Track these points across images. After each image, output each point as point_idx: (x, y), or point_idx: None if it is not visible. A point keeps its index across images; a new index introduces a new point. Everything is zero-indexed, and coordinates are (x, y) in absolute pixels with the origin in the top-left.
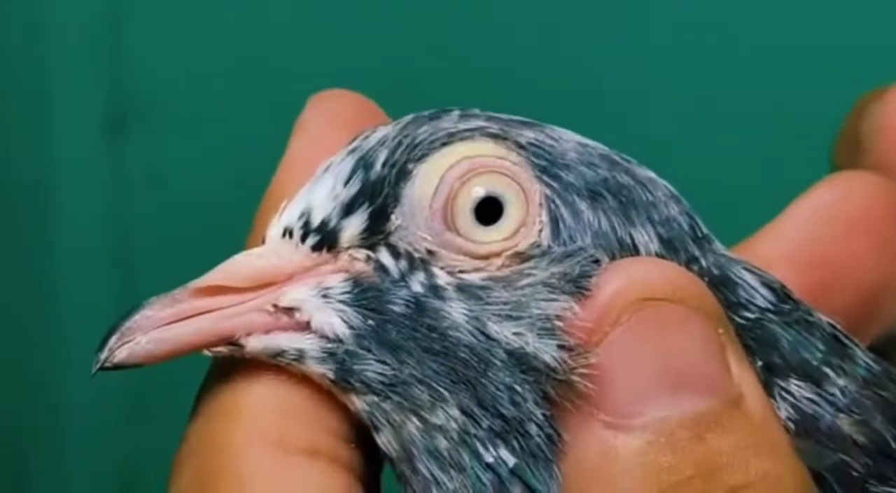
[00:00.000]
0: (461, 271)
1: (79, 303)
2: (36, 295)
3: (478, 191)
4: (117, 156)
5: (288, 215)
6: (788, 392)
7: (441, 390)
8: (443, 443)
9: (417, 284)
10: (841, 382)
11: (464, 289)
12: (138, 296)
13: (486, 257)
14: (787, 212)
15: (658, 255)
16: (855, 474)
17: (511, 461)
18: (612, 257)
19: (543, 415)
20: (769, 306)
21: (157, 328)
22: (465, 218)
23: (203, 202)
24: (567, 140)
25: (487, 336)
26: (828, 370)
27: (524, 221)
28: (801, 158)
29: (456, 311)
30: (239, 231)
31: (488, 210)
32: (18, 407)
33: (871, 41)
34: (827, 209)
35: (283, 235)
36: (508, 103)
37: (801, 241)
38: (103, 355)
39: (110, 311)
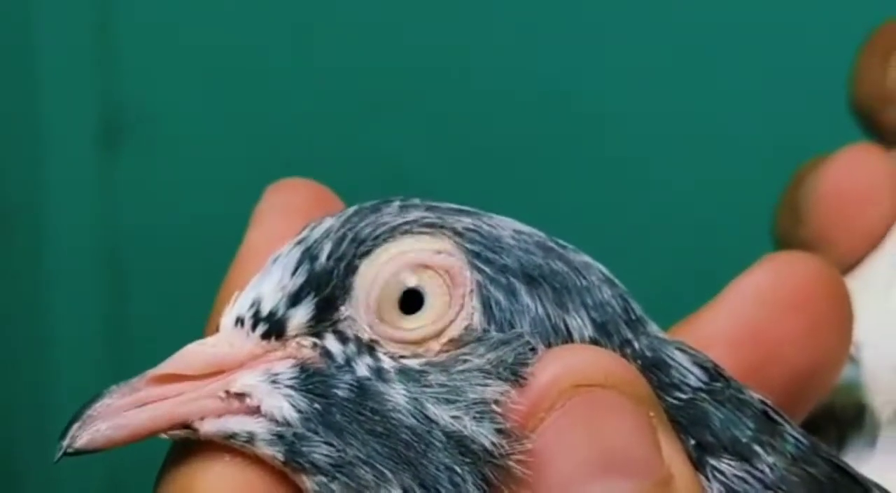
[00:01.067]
0: (402, 357)
1: (68, 314)
2: (26, 306)
3: (405, 284)
4: (109, 169)
5: (239, 305)
6: (719, 470)
7: (385, 470)
8: None
9: (364, 367)
10: (770, 459)
11: (405, 372)
12: (128, 309)
13: (420, 343)
14: (726, 292)
15: (592, 339)
16: None
17: None
18: (547, 343)
19: None
20: (701, 386)
21: (115, 415)
22: (393, 309)
23: (195, 216)
24: (504, 227)
25: (427, 418)
26: (757, 448)
27: (450, 307)
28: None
29: (398, 394)
30: (230, 245)
31: (413, 300)
32: (6, 419)
33: None
34: (762, 290)
35: (235, 324)
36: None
37: (737, 321)
38: (66, 442)
39: (100, 323)
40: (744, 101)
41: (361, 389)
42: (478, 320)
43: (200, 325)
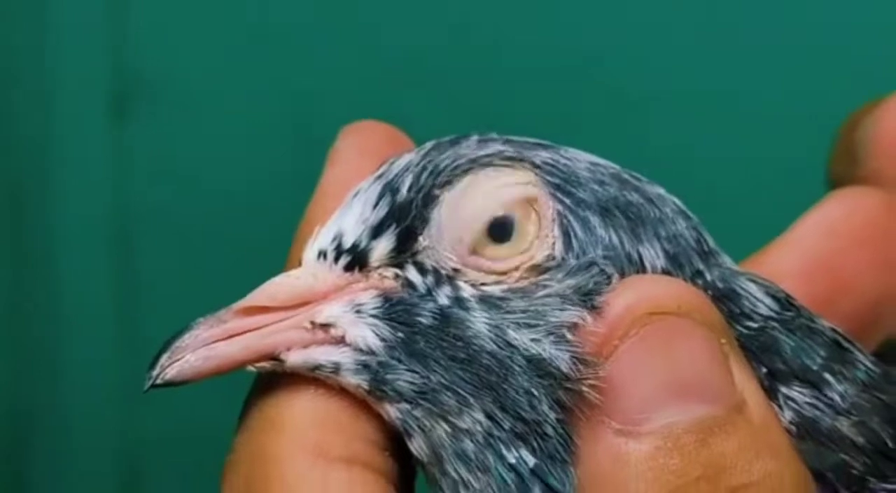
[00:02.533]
0: (483, 284)
1: (79, 283)
2: (37, 276)
3: (494, 213)
4: (120, 137)
5: (321, 239)
6: (790, 398)
7: (467, 395)
8: (469, 446)
9: (444, 297)
10: (840, 386)
11: (485, 300)
12: (138, 278)
13: (504, 272)
14: (795, 227)
15: (664, 270)
16: (855, 472)
17: (531, 461)
18: (621, 272)
19: (558, 420)
20: (772, 315)
21: (204, 346)
22: (482, 237)
23: (205, 184)
24: (580, 160)
25: (508, 343)
26: (828, 376)
27: (536, 236)
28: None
29: (479, 320)
30: (240, 213)
31: (504, 228)
32: (19, 389)
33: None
34: (832, 224)
35: (318, 257)
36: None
37: (808, 254)
38: (155, 372)
39: (110, 293)
40: (771, 78)
41: (444, 316)
42: (559, 248)
43: (210, 293)
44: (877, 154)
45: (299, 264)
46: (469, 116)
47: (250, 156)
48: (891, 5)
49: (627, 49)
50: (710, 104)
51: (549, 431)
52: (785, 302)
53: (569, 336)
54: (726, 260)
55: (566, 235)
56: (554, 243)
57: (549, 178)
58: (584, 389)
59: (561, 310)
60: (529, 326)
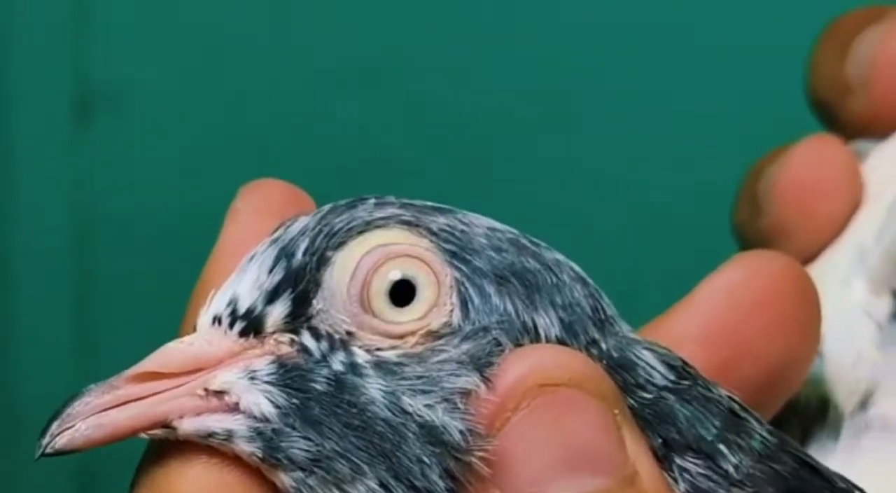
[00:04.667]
0: (378, 349)
1: (37, 289)
2: None
3: (393, 274)
4: (81, 144)
5: (216, 304)
6: (685, 469)
7: (361, 463)
8: None
9: (338, 362)
10: (735, 457)
11: (380, 366)
12: (97, 285)
13: (401, 337)
14: (697, 290)
15: (559, 339)
16: None
17: None
18: (515, 340)
19: (448, 489)
20: (668, 384)
21: (94, 415)
22: (381, 301)
23: (166, 191)
24: (477, 225)
25: (402, 410)
26: (722, 447)
27: (436, 302)
28: None
29: (373, 387)
30: (201, 220)
31: (402, 293)
32: None
33: None
34: (733, 289)
35: (213, 322)
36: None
37: (708, 319)
38: (45, 441)
39: (67, 299)
40: (710, 96)
41: (338, 383)
42: (456, 315)
43: (169, 304)
44: (779, 205)
45: (194, 329)
46: (430, 125)
47: (208, 162)
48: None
49: (580, 59)
50: (658, 124)
51: None
52: (681, 371)
53: (462, 405)
54: (623, 328)
55: (463, 302)
56: (452, 311)
57: (445, 245)
58: (475, 461)
59: (456, 376)
60: (424, 392)
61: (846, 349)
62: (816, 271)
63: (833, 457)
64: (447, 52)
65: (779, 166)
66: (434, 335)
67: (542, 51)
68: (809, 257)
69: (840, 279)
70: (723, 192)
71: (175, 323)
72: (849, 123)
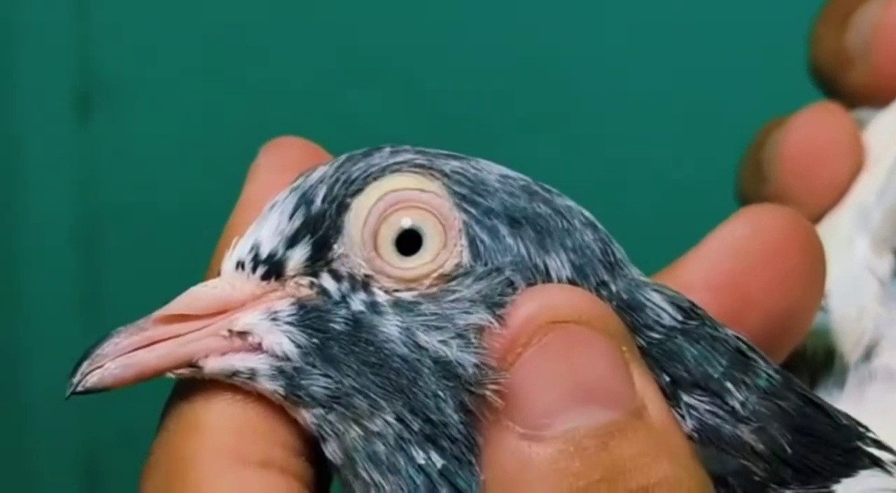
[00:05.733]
0: (395, 290)
1: (42, 282)
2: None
3: (400, 224)
4: (84, 137)
5: (239, 250)
6: (692, 406)
7: (378, 399)
8: (381, 448)
9: (358, 302)
10: (741, 394)
11: (398, 304)
12: (102, 277)
13: (415, 280)
14: (704, 242)
15: (569, 280)
16: (756, 478)
17: (440, 462)
18: (528, 281)
19: (462, 422)
20: (675, 324)
21: (124, 354)
22: (389, 249)
23: (170, 182)
24: (490, 171)
25: (418, 345)
26: (729, 384)
27: (444, 246)
28: None
29: (390, 324)
30: (205, 211)
31: (411, 240)
32: None
33: None
34: (739, 242)
35: (236, 267)
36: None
37: (715, 269)
38: (76, 380)
39: (73, 292)
40: (710, 67)
41: (356, 322)
42: (466, 257)
43: (174, 291)
44: (782, 172)
45: (219, 275)
46: (425, 115)
47: (210, 152)
48: None
49: (590, 50)
50: (659, 102)
51: (455, 433)
52: (689, 311)
53: (475, 340)
54: (633, 271)
55: (472, 244)
56: (461, 253)
57: (456, 188)
58: (488, 393)
59: (468, 313)
60: (438, 328)
61: (850, 305)
62: (820, 232)
63: (839, 403)
64: (450, 43)
65: (782, 133)
66: (447, 277)
67: (546, 40)
68: (813, 221)
69: (843, 239)
70: (725, 172)
71: None
72: (850, 93)
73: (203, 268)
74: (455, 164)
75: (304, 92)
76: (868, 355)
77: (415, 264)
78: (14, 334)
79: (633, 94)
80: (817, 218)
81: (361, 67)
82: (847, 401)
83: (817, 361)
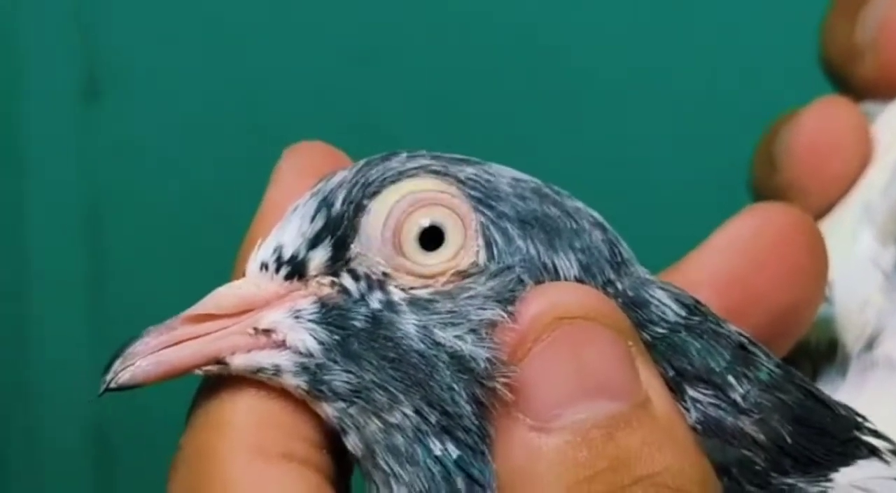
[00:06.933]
0: (412, 288)
1: (50, 266)
2: (8, 259)
3: (422, 221)
4: (91, 122)
5: (263, 252)
6: (696, 399)
7: (397, 393)
8: (400, 440)
9: (376, 301)
10: (743, 387)
11: (414, 302)
12: (109, 261)
13: (432, 276)
14: (710, 239)
15: (577, 278)
16: (758, 468)
17: (455, 453)
18: (537, 280)
19: (475, 414)
20: (679, 320)
21: (154, 352)
22: (411, 245)
23: (174, 171)
24: (503, 175)
25: (434, 342)
26: (731, 378)
27: (463, 245)
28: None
29: (408, 321)
30: (209, 196)
31: (431, 237)
32: None
33: None
34: (744, 239)
35: (260, 268)
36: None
37: (720, 267)
38: (108, 377)
39: (81, 276)
40: (720, 59)
41: (375, 319)
42: (482, 256)
43: (180, 280)
44: (793, 164)
45: (244, 276)
46: (424, 108)
47: (217, 142)
48: None
49: (595, 38)
50: (662, 85)
51: (469, 424)
52: (692, 308)
53: (488, 335)
54: (639, 270)
55: (488, 244)
56: (478, 252)
57: (472, 192)
58: (499, 387)
59: (482, 309)
60: (453, 324)
61: (854, 296)
62: (827, 225)
63: (841, 392)
64: (456, 39)
65: (793, 127)
66: (462, 274)
67: (548, 38)
68: (821, 213)
69: (849, 232)
70: (728, 171)
71: (184, 303)
72: (858, 86)
73: (207, 253)
74: (469, 170)
75: (308, 81)
76: (870, 345)
77: (436, 261)
78: (22, 317)
79: (643, 88)
80: (826, 209)
81: (365, 60)
82: (848, 389)
83: (821, 351)
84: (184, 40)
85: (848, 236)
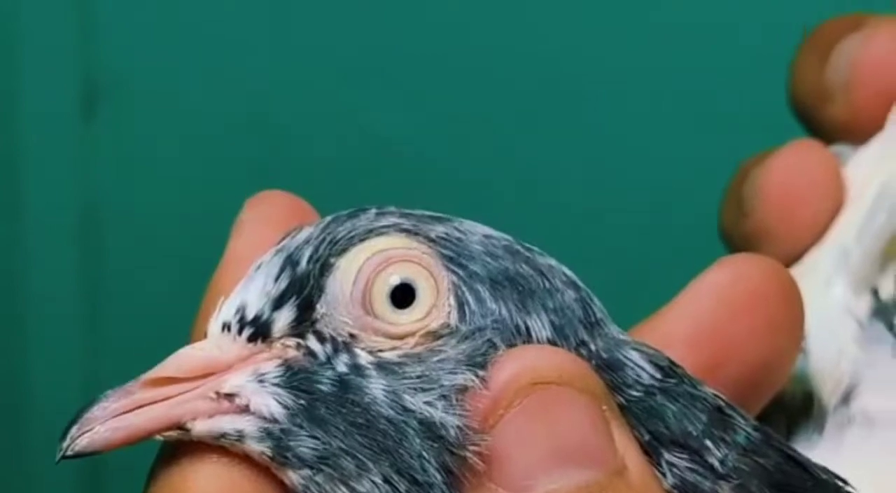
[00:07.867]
0: (380, 351)
1: (46, 277)
2: (4, 270)
3: (394, 278)
4: (89, 134)
5: (225, 311)
6: (672, 463)
7: (365, 460)
8: None
9: (342, 364)
10: (720, 452)
11: (382, 366)
12: (105, 273)
13: (401, 337)
14: (685, 292)
15: (549, 340)
16: None
17: None
18: (509, 342)
19: (445, 483)
20: (654, 383)
21: (113, 418)
22: (382, 303)
23: (172, 182)
24: (473, 233)
25: (404, 408)
26: (708, 442)
27: (435, 304)
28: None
29: (376, 386)
30: (207, 208)
31: (403, 296)
32: None
33: None
34: (719, 291)
35: (222, 329)
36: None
37: (695, 322)
38: (66, 444)
39: (77, 287)
40: (690, 100)
41: (342, 383)
42: (454, 317)
43: (175, 292)
44: (764, 208)
45: (205, 336)
46: (425, 113)
47: (215, 153)
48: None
49: (583, 42)
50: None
51: None
52: (668, 370)
53: (459, 401)
54: (613, 329)
55: (460, 305)
56: (449, 313)
57: (443, 251)
58: (469, 456)
59: (453, 373)
60: (424, 390)
61: (829, 346)
62: (800, 272)
63: (817, 450)
64: (455, 44)
65: (762, 170)
66: (433, 336)
67: (548, 40)
68: (793, 259)
69: (822, 279)
70: (715, 192)
71: (180, 313)
72: (829, 128)
73: (203, 263)
74: (440, 228)
75: (304, 91)
76: (846, 398)
77: (407, 320)
78: (17, 329)
79: (643, 98)
80: (797, 256)
81: (364, 66)
82: (826, 446)
83: (796, 405)
84: (182, 52)
85: (822, 284)
